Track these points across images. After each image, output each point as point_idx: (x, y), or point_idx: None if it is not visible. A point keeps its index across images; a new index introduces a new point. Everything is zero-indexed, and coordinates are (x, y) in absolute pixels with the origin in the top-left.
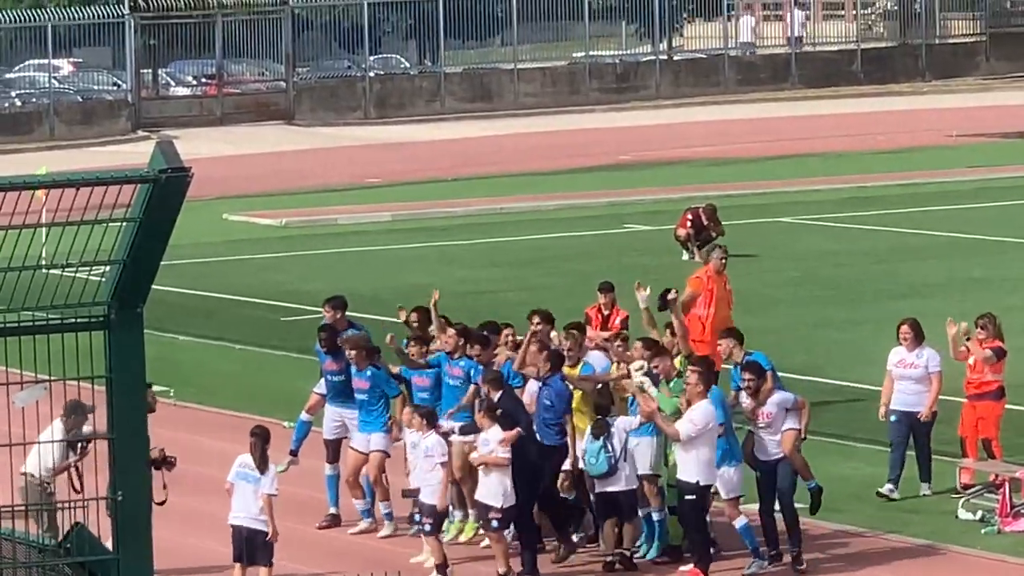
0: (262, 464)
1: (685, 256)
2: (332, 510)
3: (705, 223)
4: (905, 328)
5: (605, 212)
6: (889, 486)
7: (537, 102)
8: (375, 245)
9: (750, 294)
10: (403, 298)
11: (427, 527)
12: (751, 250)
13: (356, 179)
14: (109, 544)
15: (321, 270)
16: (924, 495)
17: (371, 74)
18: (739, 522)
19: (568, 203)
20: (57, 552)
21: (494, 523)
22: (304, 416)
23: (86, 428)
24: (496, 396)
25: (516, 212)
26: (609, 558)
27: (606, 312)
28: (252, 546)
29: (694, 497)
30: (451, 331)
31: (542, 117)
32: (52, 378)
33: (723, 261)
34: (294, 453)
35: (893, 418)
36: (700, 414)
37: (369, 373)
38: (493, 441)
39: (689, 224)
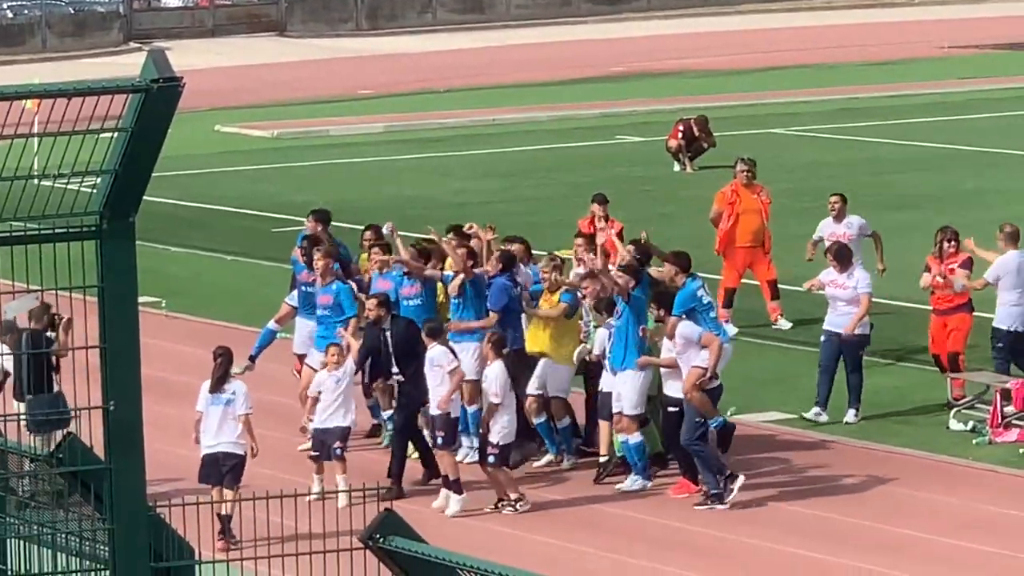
0: (227, 384)
1: (676, 167)
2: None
3: (696, 134)
4: (830, 257)
5: (597, 124)
6: (816, 409)
7: (529, 13)
8: (367, 156)
9: None
10: (394, 209)
11: (439, 439)
12: None
13: (348, 90)
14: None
15: (313, 181)
16: (847, 422)
17: None
18: (633, 439)
19: (560, 115)
20: (49, 462)
21: (491, 458)
22: (272, 325)
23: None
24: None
25: (508, 123)
26: (604, 459)
27: (600, 224)
28: (223, 469)
29: (678, 409)
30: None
31: (534, 28)
32: (43, 288)
33: (746, 173)
34: (252, 359)
35: (823, 338)
36: (678, 330)
37: (334, 288)
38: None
39: (680, 135)
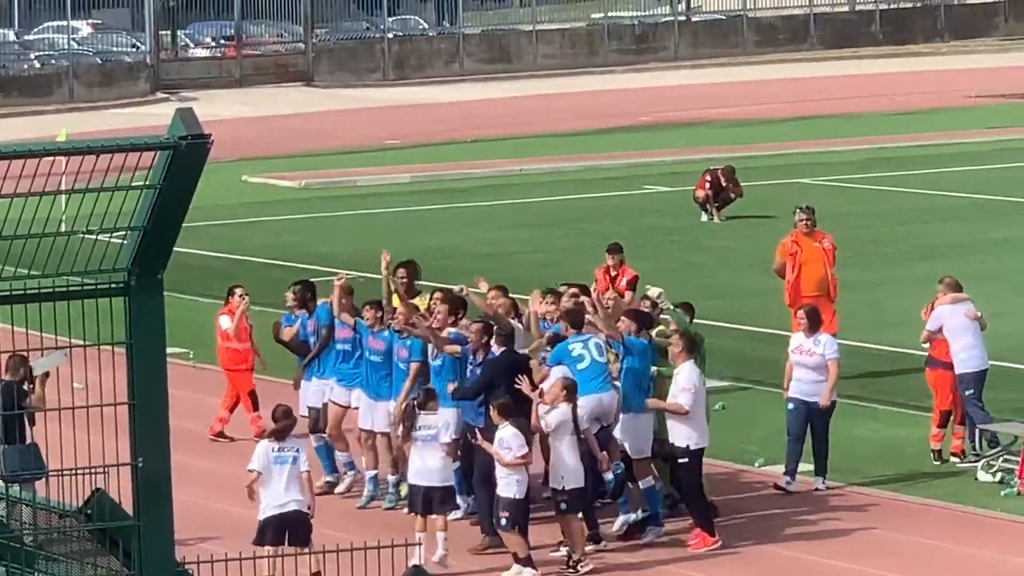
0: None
1: (704, 217)
2: (327, 478)
3: (724, 184)
4: (800, 314)
5: (624, 173)
6: (786, 478)
7: (556, 63)
8: (394, 207)
9: (769, 256)
10: (421, 259)
11: (504, 521)
12: (770, 211)
13: (375, 140)
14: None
15: (340, 232)
16: (817, 490)
17: (390, 35)
18: (644, 483)
19: (587, 164)
20: (78, 518)
21: (563, 506)
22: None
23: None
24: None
25: (535, 173)
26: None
27: (614, 273)
28: (292, 528)
29: (687, 460)
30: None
31: (561, 78)
32: (72, 343)
33: (806, 221)
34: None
35: (791, 406)
36: (687, 378)
37: (386, 335)
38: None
39: (708, 185)
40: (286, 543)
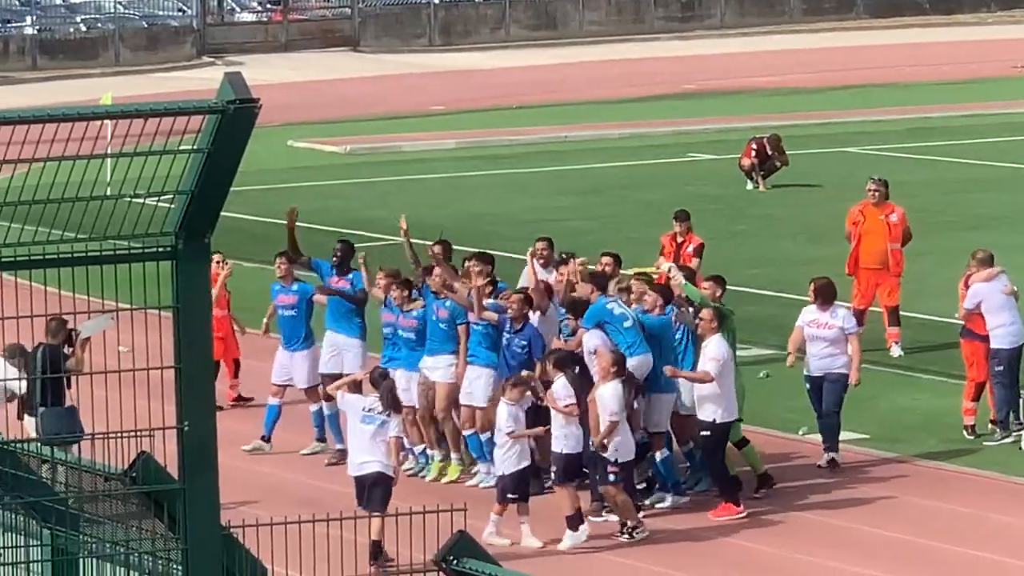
0: (394, 406)
1: (749, 186)
2: (339, 446)
3: (769, 153)
4: (814, 287)
5: (669, 141)
6: (829, 455)
7: (602, 30)
8: (439, 172)
9: (814, 225)
10: (466, 225)
11: (557, 476)
12: (815, 180)
13: (420, 106)
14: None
15: (384, 197)
16: (820, 466)
17: (436, 1)
18: (658, 455)
19: (632, 132)
20: (123, 481)
21: (611, 477)
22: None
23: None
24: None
25: (580, 140)
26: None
27: (680, 240)
28: (368, 489)
29: (709, 433)
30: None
31: (606, 45)
32: (118, 307)
33: (874, 192)
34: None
35: (808, 386)
36: (716, 348)
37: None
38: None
39: (753, 154)
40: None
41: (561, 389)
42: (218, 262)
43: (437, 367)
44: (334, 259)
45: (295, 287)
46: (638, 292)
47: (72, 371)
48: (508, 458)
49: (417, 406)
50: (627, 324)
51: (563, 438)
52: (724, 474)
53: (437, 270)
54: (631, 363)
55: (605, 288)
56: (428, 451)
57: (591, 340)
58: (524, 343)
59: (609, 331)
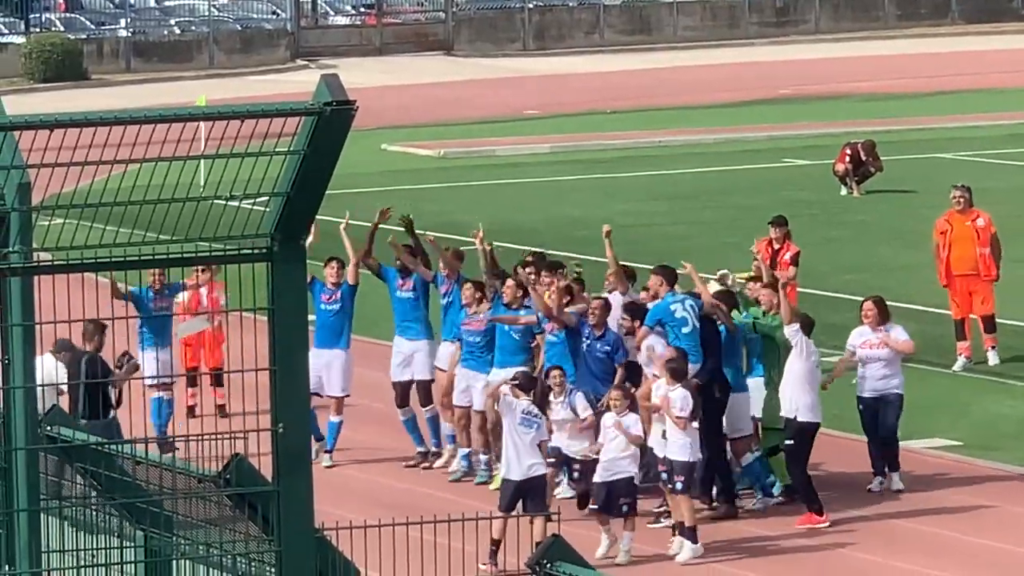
0: (542, 407)
1: (843, 191)
2: (420, 448)
3: (864, 158)
4: (867, 305)
5: (764, 146)
6: (878, 479)
7: (696, 35)
8: (533, 177)
9: (908, 231)
10: (560, 230)
11: (678, 484)
12: (910, 186)
13: (514, 110)
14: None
15: (478, 201)
16: (871, 490)
17: (530, 5)
18: (745, 459)
19: (727, 137)
20: (216, 483)
21: (678, 485)
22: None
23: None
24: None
25: (675, 145)
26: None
27: (777, 246)
28: (532, 493)
29: (791, 439)
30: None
31: (701, 50)
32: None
33: (958, 199)
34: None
35: (861, 407)
36: (645, 342)
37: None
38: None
39: (848, 159)
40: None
41: (679, 400)
42: (203, 270)
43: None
44: (397, 263)
45: (482, 314)
46: (755, 293)
47: (118, 379)
48: (620, 465)
49: (476, 410)
50: (686, 330)
51: (679, 447)
52: (805, 480)
53: (510, 281)
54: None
55: (673, 283)
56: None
57: (653, 343)
58: (607, 348)
59: (666, 333)
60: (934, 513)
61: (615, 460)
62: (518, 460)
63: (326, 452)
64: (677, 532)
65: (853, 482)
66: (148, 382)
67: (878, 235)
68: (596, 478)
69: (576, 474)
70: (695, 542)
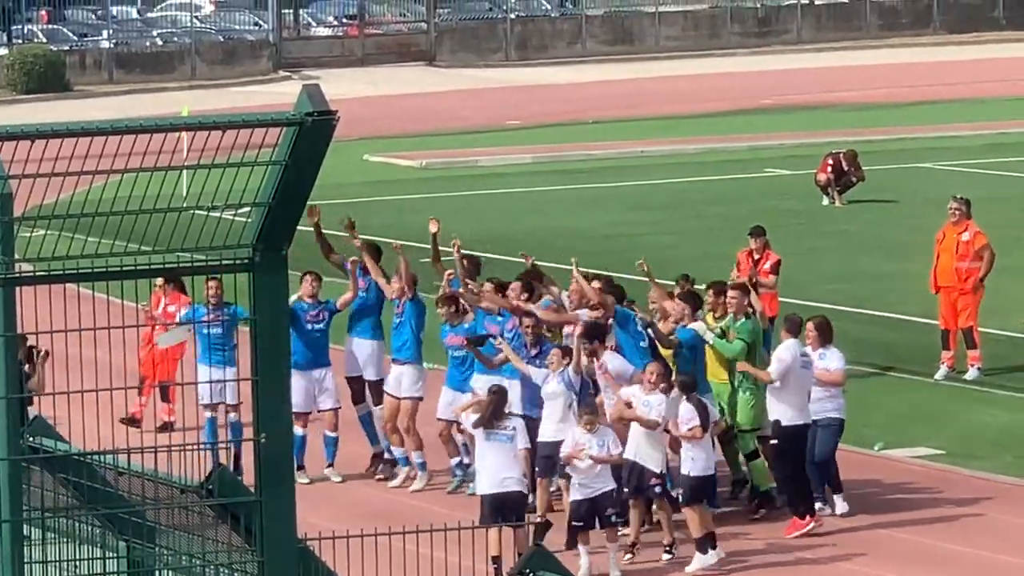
0: (504, 418)
1: (825, 201)
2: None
3: (846, 168)
4: (809, 325)
5: (746, 156)
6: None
7: (678, 46)
8: (515, 187)
9: (890, 241)
10: (542, 240)
11: (685, 496)
12: (892, 196)
13: (496, 121)
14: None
15: (460, 212)
16: (841, 514)
17: (512, 16)
18: None
19: (709, 147)
20: (199, 493)
21: (656, 490)
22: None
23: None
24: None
25: (657, 155)
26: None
27: (757, 256)
28: (507, 508)
29: (776, 441)
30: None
31: (683, 61)
32: (194, 320)
33: (952, 211)
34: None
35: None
36: (783, 350)
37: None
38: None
39: (830, 169)
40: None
41: (686, 413)
42: (160, 286)
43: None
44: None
45: (465, 325)
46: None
47: (33, 392)
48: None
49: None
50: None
51: (690, 460)
52: (791, 485)
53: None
54: None
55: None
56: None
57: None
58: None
59: (623, 340)
60: (917, 522)
61: (594, 477)
62: (492, 474)
63: (328, 467)
64: (671, 547)
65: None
66: (203, 400)
67: (860, 245)
68: (575, 495)
69: (658, 488)
70: (704, 552)
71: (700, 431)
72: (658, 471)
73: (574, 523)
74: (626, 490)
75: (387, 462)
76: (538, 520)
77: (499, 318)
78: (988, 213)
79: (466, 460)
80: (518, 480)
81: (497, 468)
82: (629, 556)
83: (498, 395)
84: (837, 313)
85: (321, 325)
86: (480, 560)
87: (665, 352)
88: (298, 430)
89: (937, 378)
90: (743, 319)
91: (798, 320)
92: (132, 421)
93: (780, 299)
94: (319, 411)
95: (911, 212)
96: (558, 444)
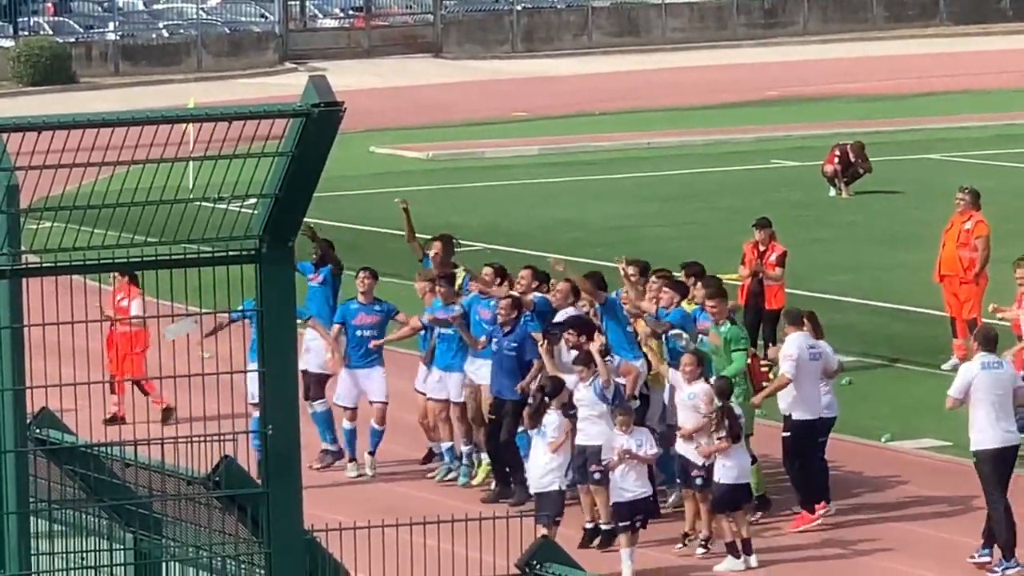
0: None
1: (832, 192)
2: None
3: (852, 159)
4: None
5: (753, 148)
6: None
7: (684, 37)
8: (521, 179)
9: (897, 232)
10: (548, 232)
11: (718, 504)
12: (898, 187)
13: (503, 113)
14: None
15: (466, 203)
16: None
17: (519, 7)
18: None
19: (716, 139)
20: (206, 485)
21: (698, 482)
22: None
23: None
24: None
25: (663, 147)
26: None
27: (763, 248)
28: (542, 504)
29: (788, 434)
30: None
31: (689, 52)
32: (202, 311)
33: (958, 201)
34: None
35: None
36: (790, 346)
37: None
38: None
39: (836, 160)
40: None
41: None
42: (122, 274)
43: (483, 369)
44: (313, 257)
45: (378, 307)
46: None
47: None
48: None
49: (455, 401)
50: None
51: (722, 467)
52: (803, 478)
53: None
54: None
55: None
56: (474, 455)
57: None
58: (514, 344)
59: (610, 326)
60: (924, 515)
61: (633, 480)
62: (531, 472)
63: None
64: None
65: (844, 484)
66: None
67: (867, 236)
68: (615, 497)
69: (700, 480)
70: (737, 556)
71: (728, 441)
72: (700, 463)
73: (620, 524)
74: (678, 481)
75: (335, 454)
76: (588, 527)
77: (491, 302)
78: (995, 204)
79: (459, 447)
80: (556, 477)
81: (535, 465)
82: (680, 546)
83: (545, 392)
84: (844, 305)
85: (370, 332)
86: (488, 552)
87: (653, 343)
88: (347, 424)
89: (946, 368)
90: (727, 324)
91: (798, 313)
92: (115, 420)
93: (787, 291)
94: (370, 402)
95: (918, 204)
96: (593, 449)
